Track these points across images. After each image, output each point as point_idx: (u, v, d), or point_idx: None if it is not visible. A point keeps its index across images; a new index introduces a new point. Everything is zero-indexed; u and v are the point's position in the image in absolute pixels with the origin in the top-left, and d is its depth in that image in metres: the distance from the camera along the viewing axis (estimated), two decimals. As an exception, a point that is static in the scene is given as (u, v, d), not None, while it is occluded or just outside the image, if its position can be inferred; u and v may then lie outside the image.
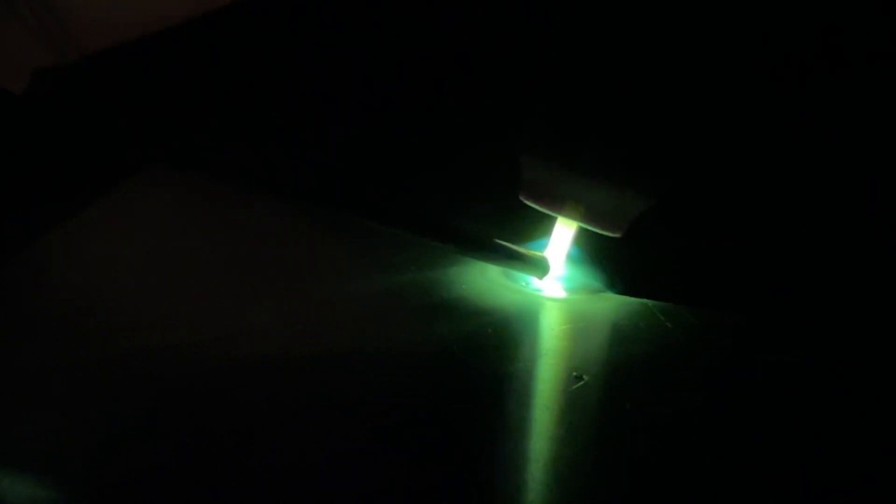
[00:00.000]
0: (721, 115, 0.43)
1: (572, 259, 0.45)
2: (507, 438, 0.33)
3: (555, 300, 0.43)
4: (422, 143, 0.50)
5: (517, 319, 0.41)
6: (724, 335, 0.40)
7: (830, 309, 0.41)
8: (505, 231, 0.45)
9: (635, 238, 0.43)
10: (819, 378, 0.37)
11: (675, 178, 0.44)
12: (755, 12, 0.40)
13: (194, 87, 0.50)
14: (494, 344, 0.39)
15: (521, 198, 0.44)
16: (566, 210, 0.43)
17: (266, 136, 0.50)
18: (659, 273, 0.44)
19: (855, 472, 0.32)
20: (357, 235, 0.48)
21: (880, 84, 0.40)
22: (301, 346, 0.39)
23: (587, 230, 0.43)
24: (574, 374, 0.36)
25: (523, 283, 0.44)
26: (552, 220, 0.44)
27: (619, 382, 0.36)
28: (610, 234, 0.43)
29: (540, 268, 0.43)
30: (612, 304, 0.43)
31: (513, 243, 0.43)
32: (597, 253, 0.45)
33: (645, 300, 0.42)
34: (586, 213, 0.43)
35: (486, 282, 0.44)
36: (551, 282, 0.44)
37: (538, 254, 0.44)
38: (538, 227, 0.45)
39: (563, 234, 0.44)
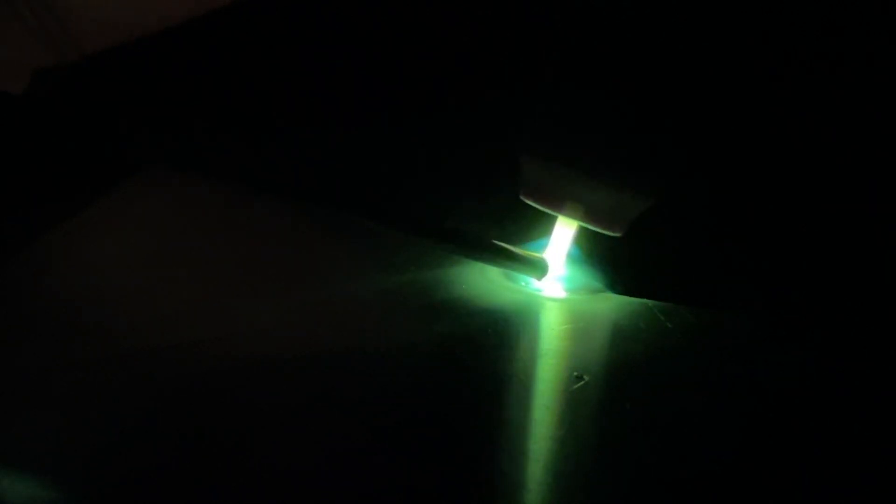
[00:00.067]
0: (721, 114, 0.43)
1: (572, 259, 0.45)
2: (507, 438, 0.33)
3: (555, 300, 0.43)
4: (422, 143, 0.50)
5: (517, 319, 0.41)
6: (724, 335, 0.40)
7: (830, 309, 0.41)
8: (505, 231, 0.45)
9: (635, 238, 0.43)
10: (819, 378, 0.37)
11: (675, 178, 0.44)
12: (755, 12, 0.40)
13: (194, 87, 0.50)
14: (494, 344, 0.39)
15: (521, 197, 0.44)
16: (566, 209, 0.43)
17: (266, 136, 0.50)
18: (659, 273, 0.44)
19: (855, 472, 0.32)
20: (357, 235, 0.48)
21: (880, 84, 0.40)
22: (301, 346, 0.39)
23: (587, 230, 0.43)
24: (574, 374, 0.36)
25: (523, 283, 0.44)
26: (552, 220, 0.44)
27: (619, 382, 0.36)
28: (610, 234, 0.43)
29: (538, 268, 0.43)
30: (612, 304, 0.43)
31: (512, 243, 0.43)
32: (597, 253, 0.45)
33: (645, 300, 0.42)
34: (586, 212, 0.43)
35: (486, 282, 0.44)
36: (551, 282, 0.44)
37: (537, 255, 0.44)
38: (538, 226, 0.45)
39: (563, 234, 0.44)
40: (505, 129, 0.47)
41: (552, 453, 0.32)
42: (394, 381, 0.36)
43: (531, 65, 0.46)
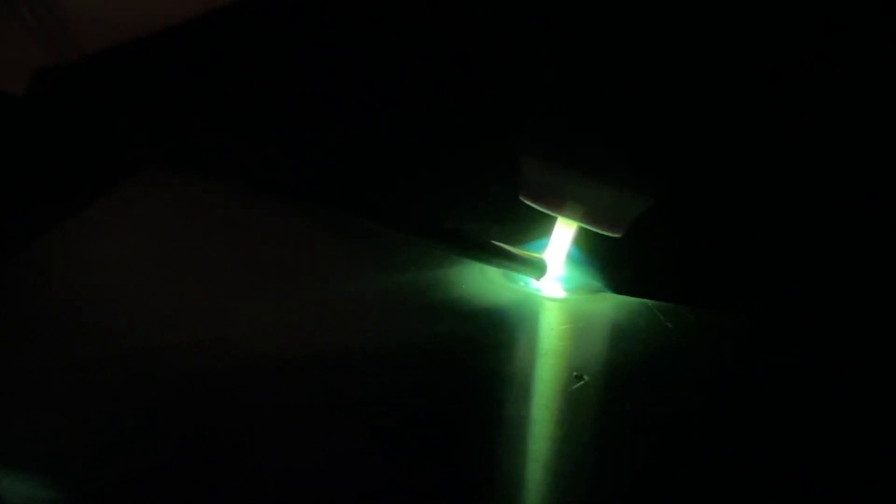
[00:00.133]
0: (721, 115, 0.43)
1: (572, 259, 0.45)
2: (507, 438, 0.33)
3: (554, 300, 0.43)
4: (421, 143, 0.50)
5: (517, 319, 0.41)
6: (724, 335, 0.40)
7: (830, 309, 0.41)
8: (505, 231, 0.45)
9: (635, 238, 0.43)
10: (819, 378, 0.37)
11: (675, 178, 0.44)
12: (755, 12, 0.40)
13: (194, 87, 0.50)
14: (494, 344, 0.39)
15: (521, 198, 0.44)
16: (566, 210, 0.43)
17: (266, 136, 0.50)
18: (659, 273, 0.44)
19: (855, 472, 0.32)
20: (357, 235, 0.48)
21: (880, 84, 0.40)
22: (301, 346, 0.39)
23: (587, 230, 0.43)
24: (574, 374, 0.36)
25: (523, 283, 0.44)
26: (552, 220, 0.44)
27: (619, 382, 0.36)
28: (610, 234, 0.43)
29: (537, 268, 0.43)
30: (612, 304, 0.43)
31: (512, 243, 0.43)
32: (597, 253, 0.45)
33: (645, 300, 0.42)
34: (586, 212, 0.43)
35: (486, 282, 0.44)
36: (551, 282, 0.44)
37: (535, 255, 0.44)
38: (538, 227, 0.45)
39: (563, 234, 0.44)
40: (505, 129, 0.47)
41: (552, 453, 0.32)
42: (394, 381, 0.36)
43: (531, 65, 0.45)
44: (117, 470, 0.32)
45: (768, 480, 0.31)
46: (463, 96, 0.48)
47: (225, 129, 0.50)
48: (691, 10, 0.40)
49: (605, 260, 0.45)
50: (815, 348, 0.39)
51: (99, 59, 0.48)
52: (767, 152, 0.43)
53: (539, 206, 0.44)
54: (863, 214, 0.42)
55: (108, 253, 0.46)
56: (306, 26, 0.48)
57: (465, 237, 0.42)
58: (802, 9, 0.39)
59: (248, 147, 0.49)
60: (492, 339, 0.39)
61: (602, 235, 0.43)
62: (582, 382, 0.36)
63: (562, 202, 0.43)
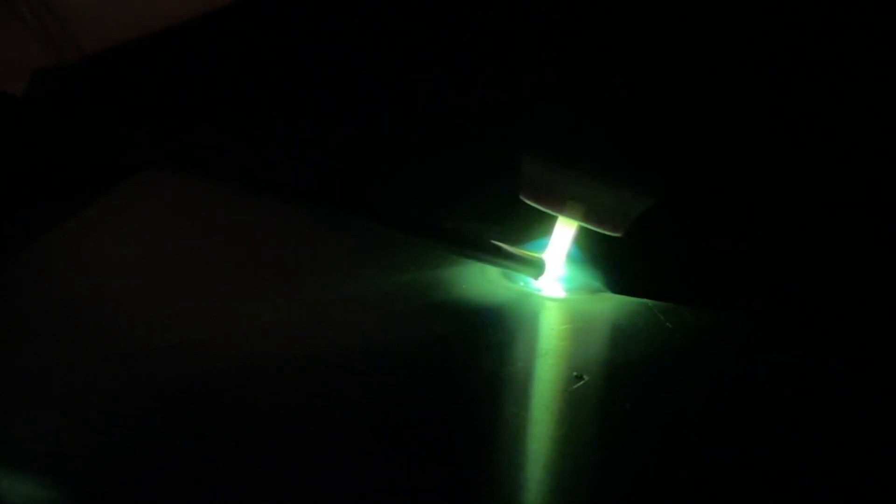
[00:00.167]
0: (721, 115, 0.43)
1: (572, 259, 0.45)
2: (507, 438, 0.33)
3: (555, 300, 0.43)
4: (422, 143, 0.50)
5: (517, 319, 0.41)
6: (724, 335, 0.40)
7: (830, 309, 0.41)
8: (505, 231, 0.45)
9: (635, 238, 0.43)
10: (819, 378, 0.37)
11: (675, 178, 0.44)
12: (755, 12, 0.40)
13: (194, 87, 0.50)
14: (494, 344, 0.39)
15: (522, 197, 0.44)
16: (566, 210, 0.43)
17: (266, 136, 0.50)
18: (659, 273, 0.44)
19: (855, 472, 0.32)
20: (357, 235, 0.48)
21: (880, 84, 0.40)
22: (301, 346, 0.39)
23: (587, 230, 0.43)
24: (574, 374, 0.36)
25: (522, 283, 0.44)
26: (552, 220, 0.44)
27: (619, 382, 0.36)
28: (610, 234, 0.43)
29: (535, 267, 0.43)
30: (612, 304, 0.43)
31: (512, 243, 0.43)
32: (597, 253, 0.45)
33: (645, 300, 0.42)
34: (586, 212, 0.43)
35: (486, 282, 0.44)
36: (551, 282, 0.44)
37: (534, 254, 0.44)
38: (538, 226, 0.45)
39: (563, 234, 0.44)
40: (505, 128, 0.47)
41: (552, 453, 0.32)
42: (394, 381, 0.36)
43: (532, 64, 0.45)
44: (117, 470, 0.32)
45: (768, 480, 0.31)
46: (463, 96, 0.48)
47: (225, 129, 0.50)
48: (691, 10, 0.40)
49: (606, 260, 0.45)
50: (815, 348, 0.39)
51: (99, 59, 0.48)
52: (767, 152, 0.43)
53: (539, 206, 0.44)
54: (863, 214, 0.42)
55: (108, 253, 0.46)
56: (306, 26, 0.48)
57: (463, 236, 0.42)
58: (802, 9, 0.39)
59: (248, 147, 0.49)
60: (492, 338, 0.39)
61: (602, 235, 0.43)
62: (582, 382, 0.36)
63: (562, 202, 0.43)
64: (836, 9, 0.38)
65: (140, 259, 0.45)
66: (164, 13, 0.47)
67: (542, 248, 0.45)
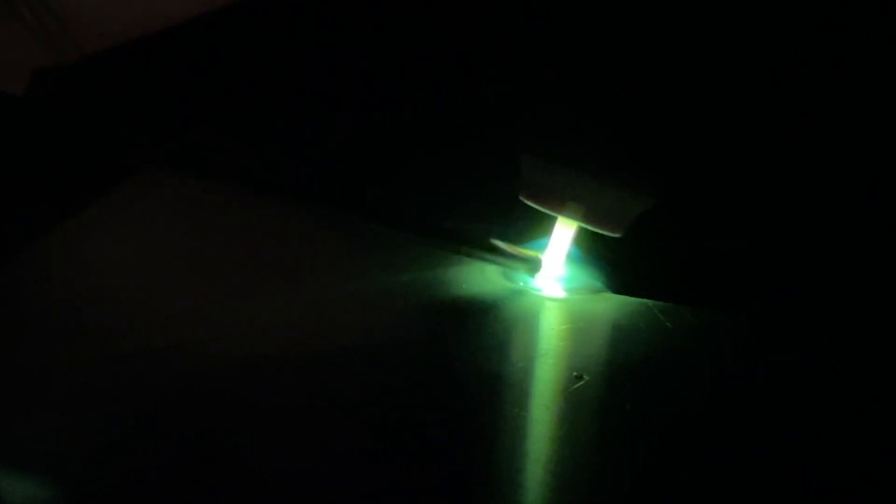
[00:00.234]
0: (721, 115, 0.43)
1: (572, 259, 0.45)
2: (507, 438, 0.33)
3: (555, 300, 0.43)
4: (422, 143, 0.50)
5: (517, 319, 0.41)
6: (724, 335, 0.40)
7: (830, 309, 0.41)
8: (505, 231, 0.45)
9: (635, 238, 0.43)
10: (819, 378, 0.37)
11: (675, 178, 0.44)
12: (755, 12, 0.40)
13: (194, 88, 0.50)
14: (494, 344, 0.39)
15: (521, 198, 0.44)
16: (566, 210, 0.43)
17: (266, 136, 0.50)
18: (659, 273, 0.44)
19: (855, 472, 0.32)
20: (357, 235, 0.48)
21: (880, 84, 0.40)
22: (301, 346, 0.39)
23: (587, 230, 0.43)
24: (574, 374, 0.36)
25: (523, 283, 0.44)
26: (552, 220, 0.44)
27: (619, 382, 0.36)
28: (610, 234, 0.43)
29: (532, 265, 0.43)
30: (612, 304, 0.43)
31: (512, 243, 0.43)
32: (597, 253, 0.45)
33: (645, 300, 0.42)
34: (586, 213, 0.43)
35: (486, 282, 0.44)
36: (551, 282, 0.44)
37: (530, 252, 0.44)
38: (538, 226, 0.45)
39: (563, 234, 0.44)
40: (505, 129, 0.47)
41: (552, 453, 0.32)
42: (394, 381, 0.36)
43: (531, 64, 0.45)
44: (117, 470, 0.32)
45: (768, 480, 0.31)
46: (463, 96, 0.48)
47: (225, 129, 0.50)
48: (692, 10, 0.40)
49: (606, 260, 0.45)
50: (815, 348, 0.39)
51: (99, 59, 0.48)
52: (767, 152, 0.43)
53: (539, 206, 0.44)
54: (863, 214, 0.42)
55: (108, 253, 0.46)
56: (306, 26, 0.48)
57: (460, 233, 0.42)
58: (802, 9, 0.39)
59: (248, 147, 0.49)
60: (492, 338, 0.39)
61: (602, 235, 0.43)
62: (582, 382, 0.36)
63: (562, 202, 0.43)
64: (836, 9, 0.38)
65: (140, 259, 0.45)
66: (164, 13, 0.47)
67: (542, 248, 0.45)
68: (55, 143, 0.48)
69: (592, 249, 0.45)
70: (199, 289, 0.43)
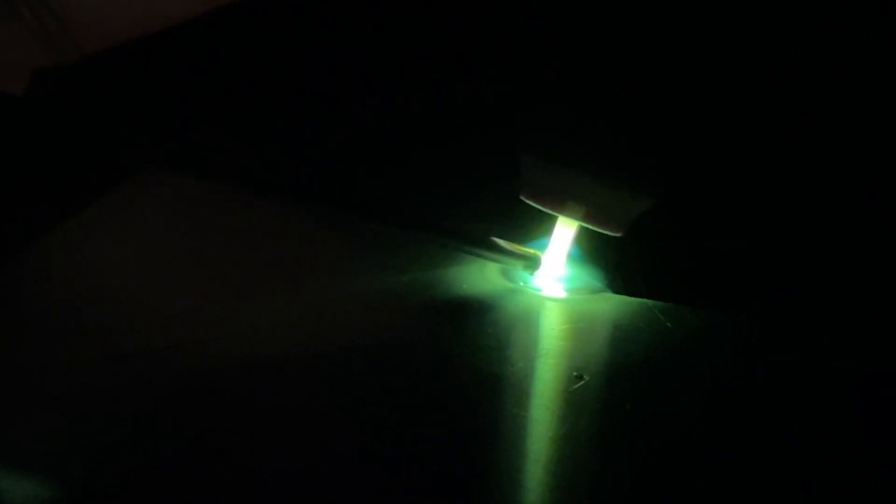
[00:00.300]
0: (721, 115, 0.43)
1: (573, 259, 0.45)
2: (507, 438, 0.33)
3: (555, 300, 0.43)
4: (422, 143, 0.50)
5: (517, 319, 0.41)
6: (724, 335, 0.40)
7: (830, 309, 0.41)
8: (505, 231, 0.45)
9: (635, 238, 0.43)
10: (819, 378, 0.37)
11: (675, 178, 0.44)
12: (756, 12, 0.40)
13: (194, 87, 0.50)
14: (494, 344, 0.39)
15: (522, 197, 0.44)
16: (566, 210, 0.43)
17: (266, 136, 0.50)
18: (659, 273, 0.44)
19: (855, 472, 0.32)
20: (357, 235, 0.48)
21: (880, 84, 0.40)
22: (301, 346, 0.39)
23: (588, 230, 0.43)
24: (574, 373, 0.36)
25: (523, 283, 0.44)
26: (553, 220, 0.44)
27: (619, 382, 0.36)
28: (610, 234, 0.43)
29: (530, 261, 0.43)
30: (612, 304, 0.43)
31: (512, 242, 0.43)
32: (597, 253, 0.45)
33: (645, 300, 0.42)
34: (587, 212, 0.43)
35: (486, 282, 0.44)
36: (551, 281, 0.44)
37: (528, 249, 0.44)
38: (538, 226, 0.45)
39: (563, 234, 0.44)
40: (505, 128, 0.47)
41: (552, 453, 0.32)
42: (394, 381, 0.36)
43: (532, 64, 0.45)
44: (117, 470, 0.32)
45: (768, 480, 0.31)
46: (463, 96, 0.48)
47: (225, 129, 0.50)
48: (692, 10, 0.40)
49: (606, 260, 0.45)
50: (815, 348, 0.39)
51: (99, 59, 0.48)
52: (767, 152, 0.43)
53: (539, 206, 0.44)
54: (863, 214, 0.42)
55: (108, 253, 0.46)
56: (306, 26, 0.48)
57: (459, 231, 0.42)
58: (802, 9, 0.39)
59: (248, 147, 0.49)
60: (492, 339, 0.39)
61: (603, 235, 0.43)
62: (582, 382, 0.36)
63: (562, 202, 0.43)
64: (836, 9, 0.38)
65: (140, 259, 0.45)
66: (164, 13, 0.47)
67: (543, 247, 0.45)
68: (55, 143, 0.48)
69: (593, 249, 0.45)
70: (199, 289, 0.43)
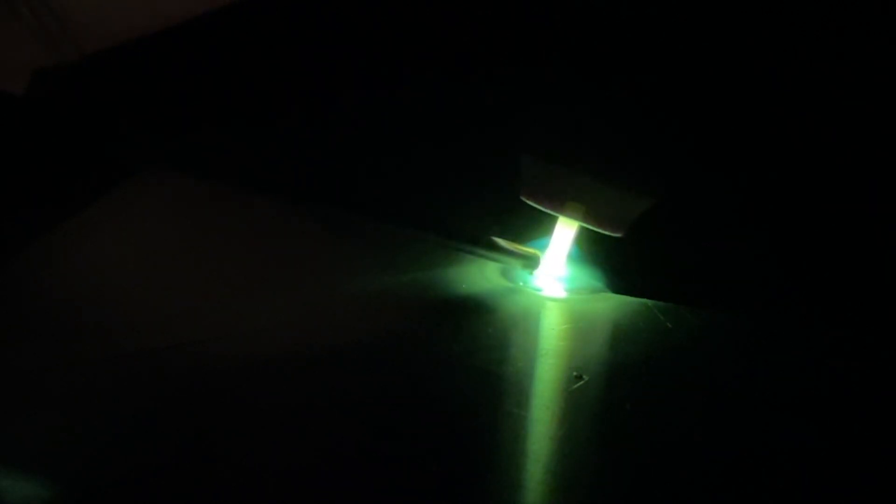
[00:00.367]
0: (721, 115, 0.43)
1: (573, 259, 0.45)
2: (507, 438, 0.33)
3: (555, 300, 0.43)
4: (422, 143, 0.50)
5: (517, 319, 0.41)
6: (724, 335, 0.40)
7: (830, 309, 0.41)
8: (505, 231, 0.45)
9: (635, 238, 0.43)
10: (819, 378, 0.37)
11: (675, 178, 0.44)
12: (756, 12, 0.40)
13: (194, 87, 0.50)
14: (494, 344, 0.39)
15: (522, 197, 0.44)
16: (566, 210, 0.43)
17: (266, 136, 0.50)
18: (659, 273, 0.44)
19: (855, 472, 0.32)
20: (357, 235, 0.48)
21: (880, 84, 0.40)
22: (301, 346, 0.39)
23: (587, 230, 0.43)
24: (574, 373, 0.36)
25: (523, 283, 0.44)
26: (553, 220, 0.44)
27: (619, 382, 0.36)
28: (611, 234, 0.43)
29: (530, 260, 0.43)
30: (612, 304, 0.43)
31: (512, 242, 0.43)
32: (597, 253, 0.45)
33: (645, 300, 0.42)
34: (587, 212, 0.43)
35: (486, 282, 0.44)
36: (551, 281, 0.44)
37: (528, 248, 0.44)
38: (539, 226, 0.45)
39: (563, 234, 0.44)
40: (505, 128, 0.47)
41: (552, 453, 0.32)
42: (393, 381, 0.36)
43: (532, 64, 0.45)
44: (117, 470, 0.32)
45: (768, 480, 0.31)
46: (463, 96, 0.48)
47: (225, 129, 0.50)
48: (691, 10, 0.40)
49: (606, 260, 0.45)
50: (815, 348, 0.39)
51: (99, 59, 0.48)
52: (768, 152, 0.43)
53: (539, 206, 0.44)
54: (863, 214, 0.42)
55: (108, 253, 0.46)
56: (306, 26, 0.48)
57: (457, 230, 0.42)
58: (802, 9, 0.39)
59: (248, 147, 0.49)
60: (492, 338, 0.39)
61: (602, 235, 0.43)
62: (582, 382, 0.36)
63: (563, 202, 0.43)
64: (836, 9, 0.38)
65: (140, 259, 0.45)
66: (164, 13, 0.47)
67: (543, 247, 0.45)
68: (55, 143, 0.48)
69: (593, 249, 0.45)
70: (199, 289, 0.43)
